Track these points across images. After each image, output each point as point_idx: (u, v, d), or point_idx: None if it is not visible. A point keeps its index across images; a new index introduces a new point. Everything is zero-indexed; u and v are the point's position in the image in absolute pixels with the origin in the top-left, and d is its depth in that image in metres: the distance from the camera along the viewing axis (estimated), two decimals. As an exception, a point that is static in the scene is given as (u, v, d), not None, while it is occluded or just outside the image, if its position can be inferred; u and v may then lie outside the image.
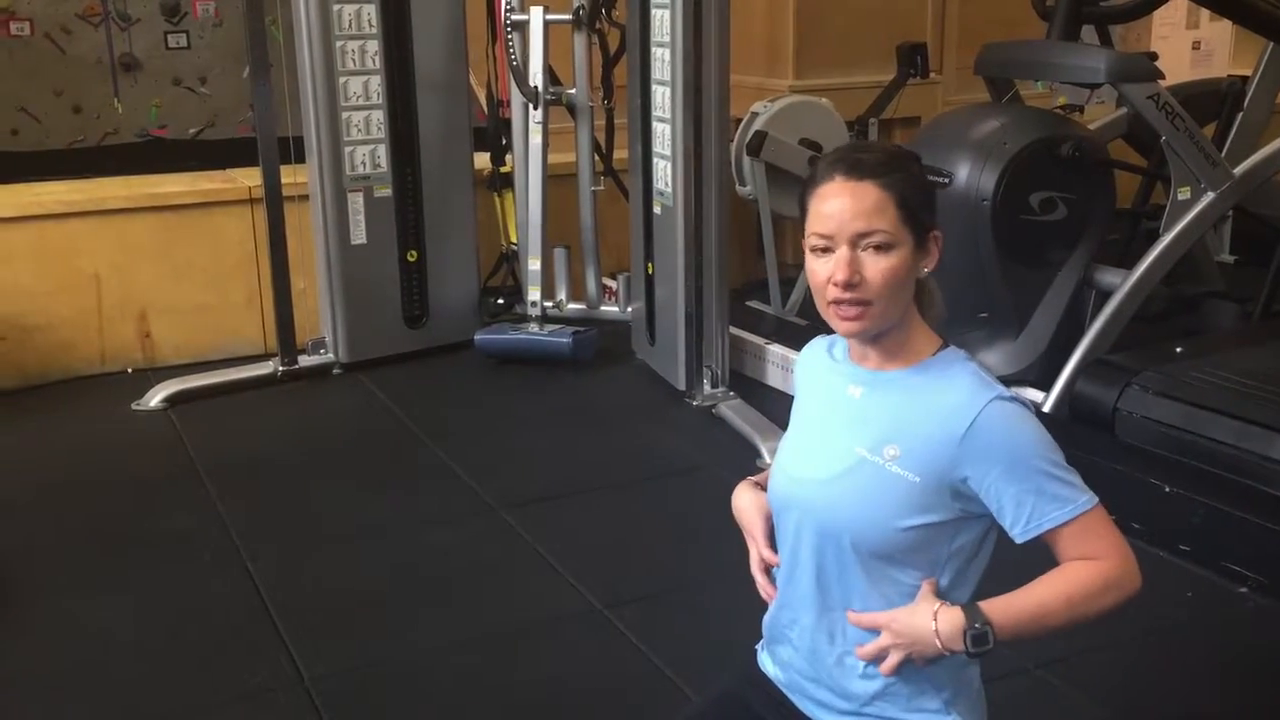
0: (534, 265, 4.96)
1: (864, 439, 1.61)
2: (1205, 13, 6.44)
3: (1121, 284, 4.14)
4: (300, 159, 4.71)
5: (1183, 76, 5.61)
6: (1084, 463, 1.62)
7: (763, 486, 1.80)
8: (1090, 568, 1.54)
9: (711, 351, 4.41)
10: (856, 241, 1.55)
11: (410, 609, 3.08)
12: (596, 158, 5.11)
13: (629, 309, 5.03)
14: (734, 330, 4.61)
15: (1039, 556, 1.58)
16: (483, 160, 5.22)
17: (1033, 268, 4.23)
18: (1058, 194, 4.13)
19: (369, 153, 4.77)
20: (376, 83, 4.73)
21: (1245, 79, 5.04)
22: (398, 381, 4.78)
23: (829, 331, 1.68)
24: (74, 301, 4.79)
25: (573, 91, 5.02)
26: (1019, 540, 1.56)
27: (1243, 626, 2.95)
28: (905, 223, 1.56)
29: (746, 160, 4.96)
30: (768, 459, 3.79)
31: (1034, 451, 1.55)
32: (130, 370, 4.92)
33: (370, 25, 4.67)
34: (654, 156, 4.48)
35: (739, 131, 4.97)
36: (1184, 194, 4.18)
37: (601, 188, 5.13)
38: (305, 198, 4.79)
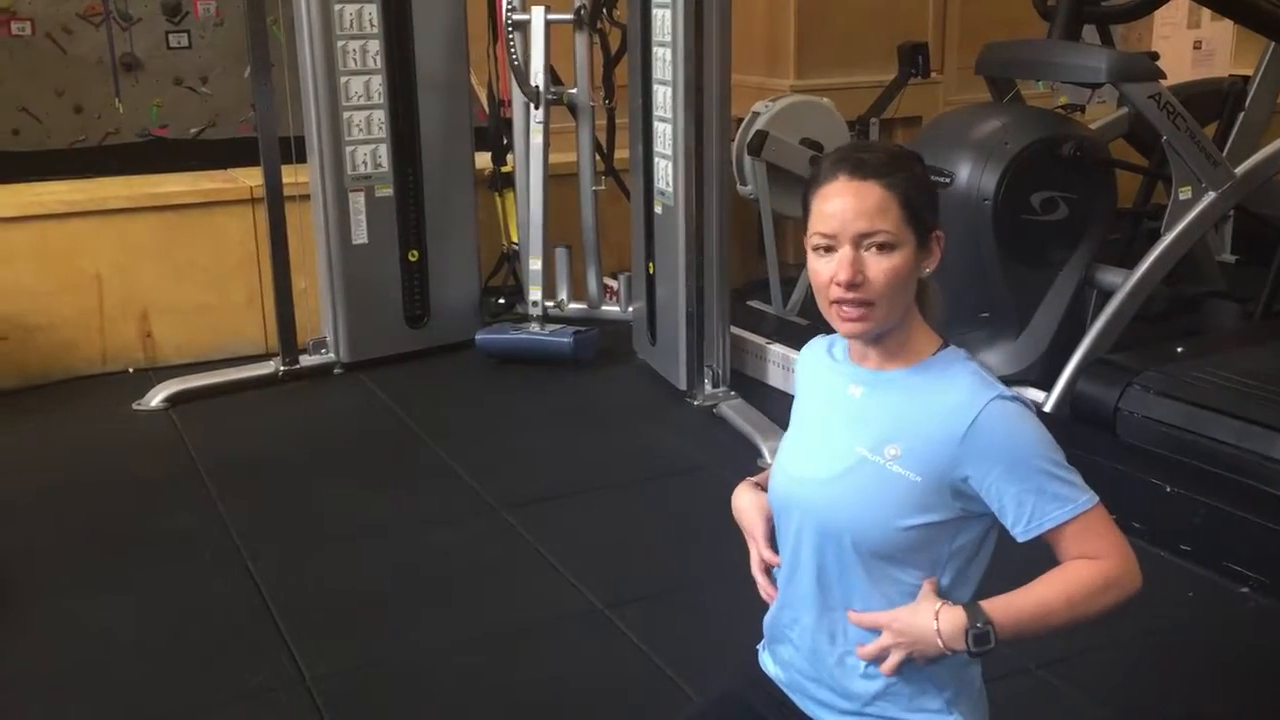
0: (535, 265, 4.96)
1: (865, 439, 1.61)
2: (1206, 12, 6.44)
3: (1123, 284, 4.14)
4: (301, 159, 4.71)
5: (1184, 76, 5.61)
6: (1085, 462, 1.62)
7: (763, 487, 1.80)
8: (1091, 567, 1.55)
9: (712, 351, 4.41)
10: (859, 241, 1.55)
11: (412, 609, 3.08)
12: (598, 157, 5.11)
13: (630, 309, 5.03)
14: (735, 330, 4.61)
15: (1039, 556, 1.58)
16: (484, 160, 5.22)
17: (1034, 267, 4.23)
18: (1059, 194, 4.13)
19: (370, 152, 4.78)
20: (378, 82, 4.73)
21: (1246, 79, 5.03)
22: (399, 381, 4.78)
23: (830, 331, 1.68)
24: (75, 301, 4.79)
25: (574, 91, 5.02)
26: (1020, 539, 1.56)
27: (1244, 626, 2.95)
28: (908, 223, 1.56)
29: (747, 160, 4.95)
30: (769, 459, 3.79)
31: (1035, 451, 1.55)
32: (131, 370, 4.92)
33: (371, 25, 4.68)
34: (655, 156, 4.48)
35: (740, 131, 4.96)
36: (1185, 194, 4.18)
37: (603, 187, 5.13)
38: (306, 197, 4.80)
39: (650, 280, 4.68)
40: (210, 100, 5.53)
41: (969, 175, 4.09)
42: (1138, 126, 4.80)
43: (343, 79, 4.66)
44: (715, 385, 4.42)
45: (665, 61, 4.28)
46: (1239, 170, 4.25)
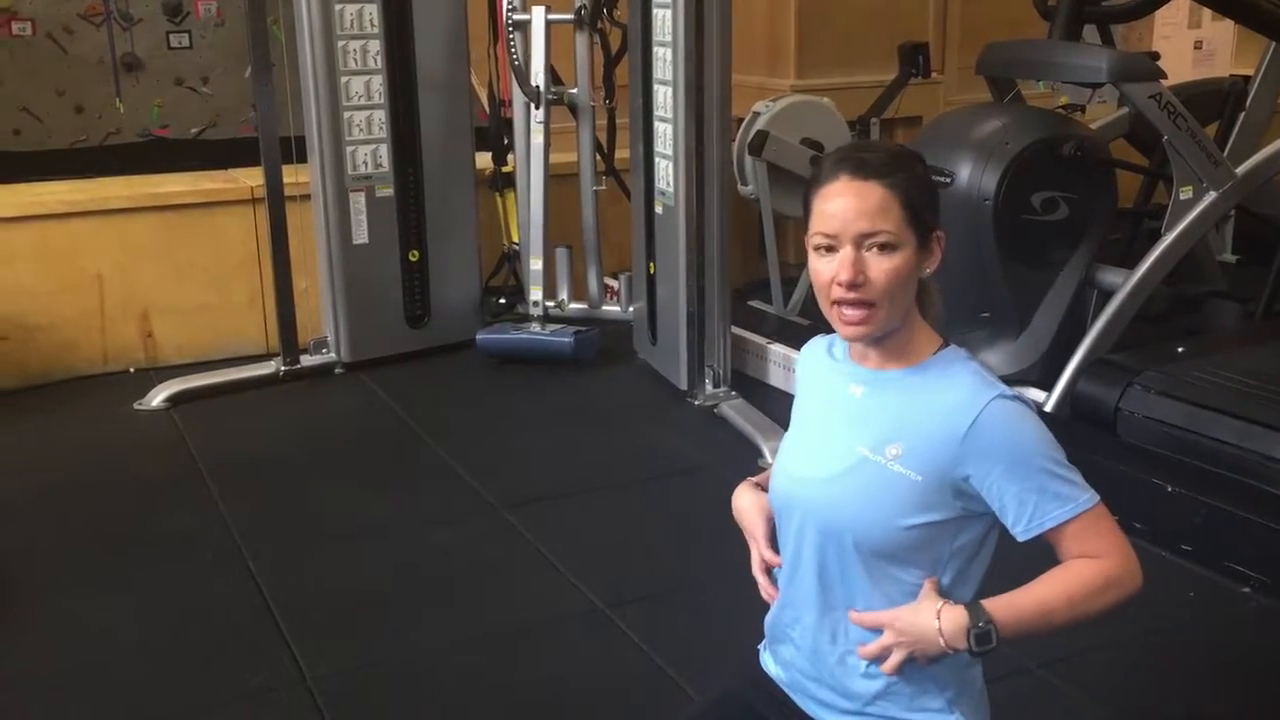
0: (536, 265, 4.96)
1: (866, 438, 1.61)
2: (1207, 12, 6.43)
3: (1123, 284, 4.14)
4: (302, 159, 4.71)
5: (1185, 76, 5.61)
6: (1086, 462, 1.62)
7: (763, 487, 1.80)
8: (1092, 566, 1.55)
9: (713, 351, 4.41)
10: (861, 242, 1.55)
11: (412, 609, 3.08)
12: (598, 157, 5.11)
13: (631, 309, 5.03)
14: (736, 330, 4.61)
15: (1040, 555, 1.58)
16: (484, 160, 5.22)
17: (1034, 267, 4.23)
18: (1059, 194, 4.13)
19: (371, 152, 4.78)
20: (378, 82, 4.73)
21: (1247, 79, 5.03)
22: (399, 381, 4.78)
23: (830, 331, 1.68)
24: (76, 301, 4.80)
25: (574, 91, 5.02)
26: (1021, 539, 1.56)
27: (1245, 626, 2.95)
28: (909, 223, 1.56)
29: (748, 160, 4.95)
30: (770, 459, 3.79)
31: (1036, 450, 1.55)
32: (132, 370, 4.92)
33: (372, 25, 4.68)
34: (656, 156, 4.48)
35: (741, 131, 4.96)
36: (1186, 193, 4.17)
37: (603, 187, 5.13)
38: (307, 197, 4.80)
39: (651, 280, 4.68)
40: (211, 100, 5.53)
41: (970, 175, 4.09)
42: (1138, 126, 4.79)
43: (343, 79, 4.66)
44: (716, 385, 4.42)
45: (666, 61, 4.28)
46: (1240, 170, 4.24)
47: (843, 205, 1.56)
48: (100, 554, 3.40)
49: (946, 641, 1.54)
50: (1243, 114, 4.93)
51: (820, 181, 1.60)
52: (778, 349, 4.64)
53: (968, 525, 1.60)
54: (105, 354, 4.89)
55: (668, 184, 4.39)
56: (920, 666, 1.59)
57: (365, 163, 4.77)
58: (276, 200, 4.65)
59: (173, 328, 4.97)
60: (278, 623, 2.99)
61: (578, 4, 4.89)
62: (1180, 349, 4.04)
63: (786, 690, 1.75)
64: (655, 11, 4.31)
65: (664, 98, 4.34)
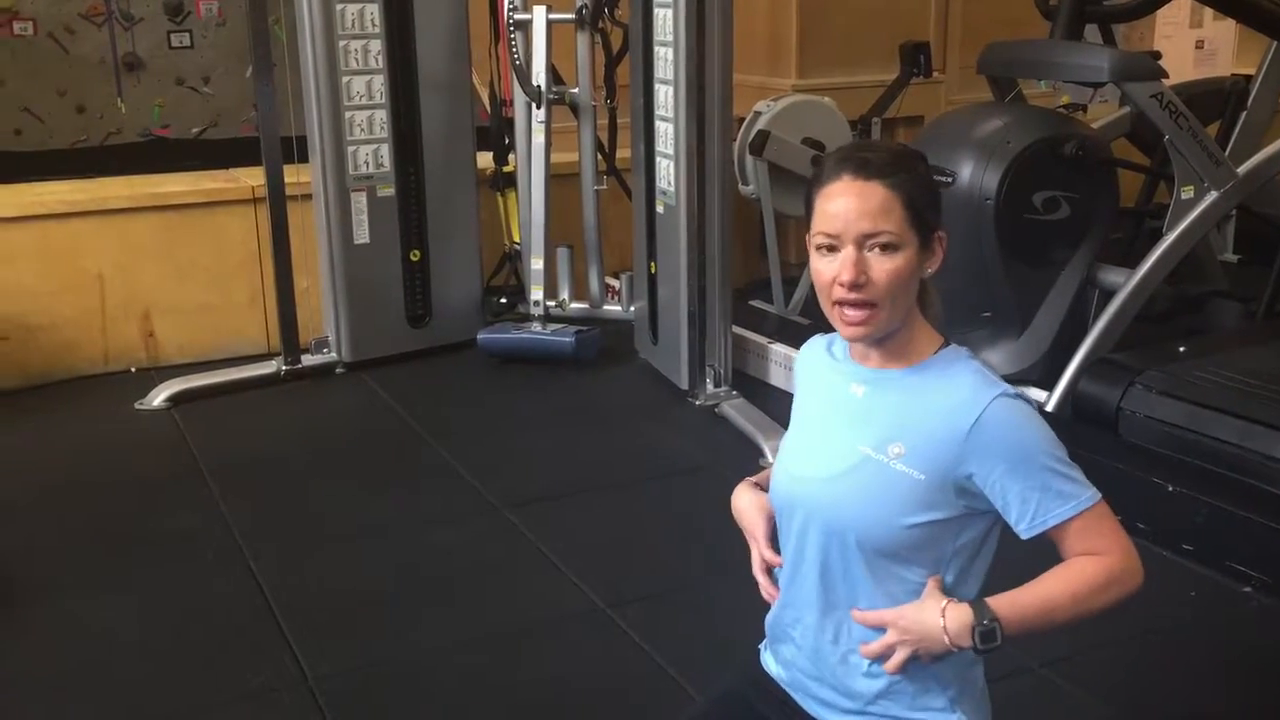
0: (537, 264, 4.96)
1: (868, 437, 1.61)
2: (1209, 12, 6.43)
3: (1125, 283, 4.14)
4: (303, 158, 4.71)
5: (1186, 76, 5.61)
6: (1087, 462, 1.62)
7: (762, 486, 1.80)
8: (1094, 563, 1.55)
9: (714, 351, 4.41)
10: (863, 242, 1.55)
11: (413, 608, 3.08)
12: (599, 157, 5.11)
13: (632, 308, 5.03)
14: (737, 329, 4.61)
15: (1041, 553, 1.58)
16: (485, 160, 5.22)
17: (1036, 267, 4.23)
18: (1061, 193, 4.13)
19: (372, 152, 4.77)
20: (379, 82, 4.73)
21: (1249, 78, 5.03)
22: (400, 381, 4.78)
23: (831, 330, 1.68)
24: (77, 301, 4.80)
25: (575, 91, 5.02)
26: (1024, 536, 1.56)
27: (1246, 626, 2.95)
28: (911, 223, 1.56)
29: (749, 159, 4.96)
30: (771, 458, 3.78)
31: (1039, 448, 1.55)
32: (133, 370, 4.92)
33: (373, 25, 4.68)
34: (657, 155, 4.48)
35: (742, 130, 4.96)
36: (1187, 193, 4.17)
37: (604, 187, 5.13)
38: (308, 197, 4.80)
39: (652, 280, 4.68)
40: (212, 100, 5.52)
41: (971, 175, 4.09)
42: (1140, 126, 4.79)
43: (344, 79, 4.66)
44: (717, 385, 4.41)
45: (667, 61, 4.28)
46: (1241, 170, 4.24)
47: (845, 205, 1.56)
48: (102, 554, 3.40)
49: (951, 639, 1.54)
50: (1244, 113, 4.94)
51: (822, 181, 1.60)
52: (779, 348, 4.64)
53: (970, 523, 1.60)
54: (106, 354, 4.89)
55: (669, 183, 4.39)
56: (923, 665, 1.59)
57: (366, 162, 4.77)
58: (278, 200, 4.65)
59: (174, 327, 4.97)
60: (279, 623, 2.99)
61: (579, 3, 4.89)
62: (1182, 349, 4.04)
63: (787, 689, 1.75)
64: (656, 11, 4.31)
65: (665, 97, 4.34)
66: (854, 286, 1.55)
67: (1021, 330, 4.26)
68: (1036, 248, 4.18)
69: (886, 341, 1.63)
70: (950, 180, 4.05)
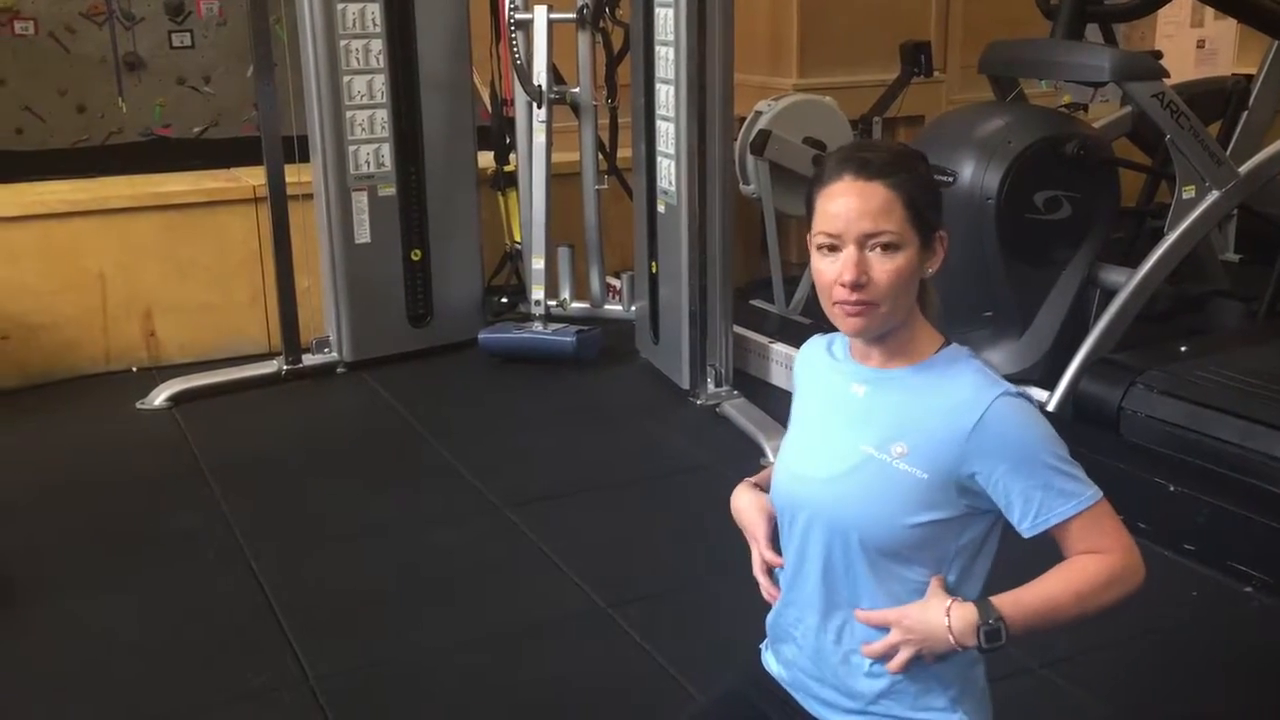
0: (538, 264, 4.96)
1: (869, 437, 1.61)
2: (1210, 11, 6.42)
3: (1126, 283, 4.13)
4: (304, 158, 4.71)
5: (1187, 75, 5.60)
6: (1088, 461, 1.62)
7: (762, 486, 1.80)
8: (1096, 561, 1.55)
9: (715, 350, 4.41)
10: (864, 242, 1.55)
11: (414, 608, 3.08)
12: (600, 156, 5.11)
13: (633, 308, 5.02)
14: (738, 329, 4.61)
15: (1041, 551, 1.58)
16: (486, 159, 5.22)
17: (1037, 266, 4.22)
18: (1062, 193, 4.13)
19: (373, 152, 4.77)
20: (380, 82, 4.73)
21: (1250, 78, 5.03)
22: (401, 380, 4.78)
23: (832, 329, 1.68)
24: (78, 300, 4.80)
25: (576, 90, 5.02)
26: (1026, 535, 1.56)
27: (1247, 626, 2.95)
28: (912, 223, 1.56)
29: (750, 159, 4.95)
30: (771, 458, 3.78)
31: (1041, 447, 1.55)
32: (135, 369, 4.92)
33: (374, 24, 4.68)
34: (658, 155, 4.48)
35: (743, 130, 4.96)
36: (1189, 193, 4.17)
37: (605, 186, 5.13)
38: (309, 197, 4.80)
39: (653, 279, 4.68)
40: (213, 99, 5.52)
41: (972, 174, 4.08)
42: (1141, 125, 4.79)
43: (345, 78, 4.66)
44: (718, 384, 4.41)
45: (668, 60, 4.28)
46: (1243, 169, 4.24)
47: (846, 205, 1.56)
48: (102, 554, 3.40)
49: (955, 639, 1.54)
50: (1245, 113, 4.93)
51: (823, 181, 1.59)
52: (780, 348, 4.64)
53: (972, 522, 1.60)
54: (107, 353, 4.89)
55: (670, 183, 4.39)
56: (925, 665, 1.59)
57: (367, 162, 4.77)
58: (279, 199, 4.65)
59: (175, 327, 4.97)
60: (280, 622, 2.99)
61: (580, 3, 4.89)
62: (1183, 348, 4.03)
63: (789, 690, 1.74)
64: (657, 10, 4.31)
65: (666, 97, 4.34)
66: (855, 286, 1.55)
67: (1023, 330, 4.26)
68: (1038, 247, 4.18)
69: (887, 341, 1.63)
70: (951, 180, 4.05)
